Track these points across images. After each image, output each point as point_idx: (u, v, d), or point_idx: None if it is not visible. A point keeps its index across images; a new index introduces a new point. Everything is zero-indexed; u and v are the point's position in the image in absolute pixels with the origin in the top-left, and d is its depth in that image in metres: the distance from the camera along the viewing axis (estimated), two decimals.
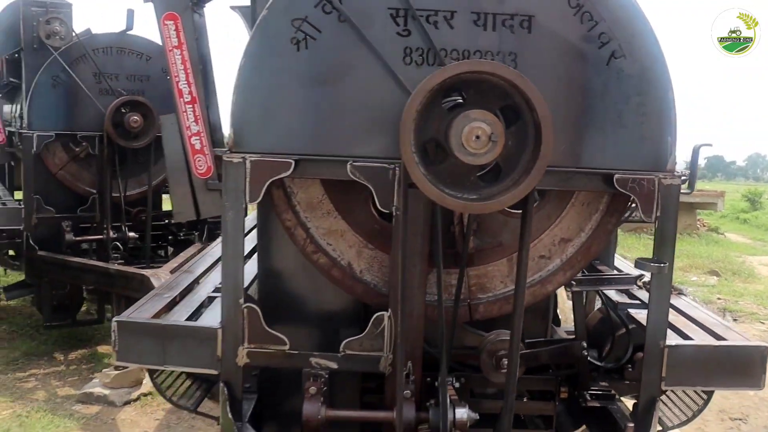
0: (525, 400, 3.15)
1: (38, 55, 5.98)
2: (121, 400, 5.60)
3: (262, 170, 2.47)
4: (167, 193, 6.87)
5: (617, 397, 3.15)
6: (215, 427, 5.16)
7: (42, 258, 5.88)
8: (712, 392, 3.10)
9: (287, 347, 2.62)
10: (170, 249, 6.95)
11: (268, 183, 2.49)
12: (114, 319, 2.69)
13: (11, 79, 6.43)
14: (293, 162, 2.46)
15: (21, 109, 6.38)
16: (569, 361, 3.02)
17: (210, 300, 3.08)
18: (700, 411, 3.13)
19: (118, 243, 5.96)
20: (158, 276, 5.20)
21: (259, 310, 2.59)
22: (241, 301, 2.57)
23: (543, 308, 3.19)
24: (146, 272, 5.30)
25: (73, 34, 5.91)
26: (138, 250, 6.19)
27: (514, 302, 2.41)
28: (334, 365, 2.64)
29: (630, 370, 2.92)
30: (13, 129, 6.67)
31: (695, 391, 3.13)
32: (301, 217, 2.71)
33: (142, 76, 6.21)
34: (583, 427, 3.40)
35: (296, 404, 2.71)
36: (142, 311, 2.85)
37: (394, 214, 2.49)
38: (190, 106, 2.79)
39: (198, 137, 2.81)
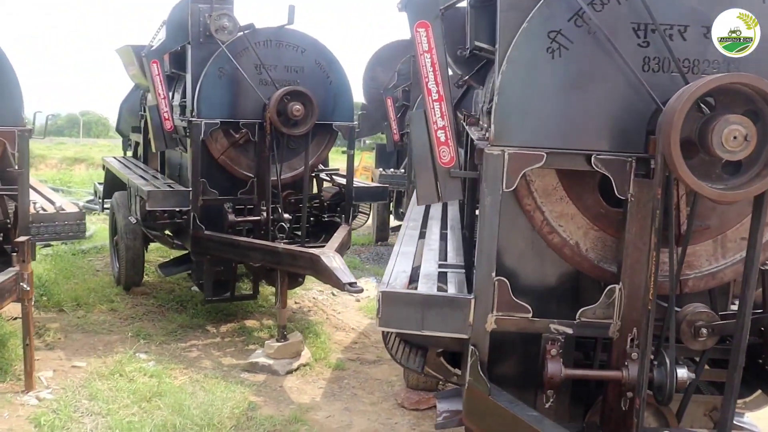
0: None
1: (203, 48, 6.60)
2: (284, 369, 6.21)
3: (518, 161, 2.98)
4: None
5: None
6: (375, 395, 5.75)
7: (209, 237, 6.52)
8: None
9: (530, 315, 3.13)
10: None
11: (522, 173, 3.00)
12: (379, 290, 3.21)
13: (173, 71, 7.07)
14: (545, 154, 2.96)
15: (182, 98, 7.03)
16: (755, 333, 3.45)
17: (441, 274, 3.61)
18: None
19: (282, 224, 6.54)
20: (327, 255, 5.80)
21: (507, 282, 3.10)
22: (494, 274, 3.08)
23: (726, 285, 3.64)
24: (314, 251, 5.88)
25: (239, 28, 6.49)
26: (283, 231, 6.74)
27: (744, 280, 2.85)
28: (570, 331, 3.14)
29: None
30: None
31: None
32: (538, 202, 3.22)
33: (297, 68, 6.79)
34: (758, 392, 3.80)
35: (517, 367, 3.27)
36: (392, 284, 3.39)
37: (628, 200, 2.99)
38: (438, 103, 3.31)
39: (443, 131, 3.32)
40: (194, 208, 6.53)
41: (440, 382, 5.72)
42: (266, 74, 6.60)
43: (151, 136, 6.89)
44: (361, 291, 5.45)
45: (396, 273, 3.66)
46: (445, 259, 4.06)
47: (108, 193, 9.04)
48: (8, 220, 5.80)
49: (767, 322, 3.43)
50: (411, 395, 5.74)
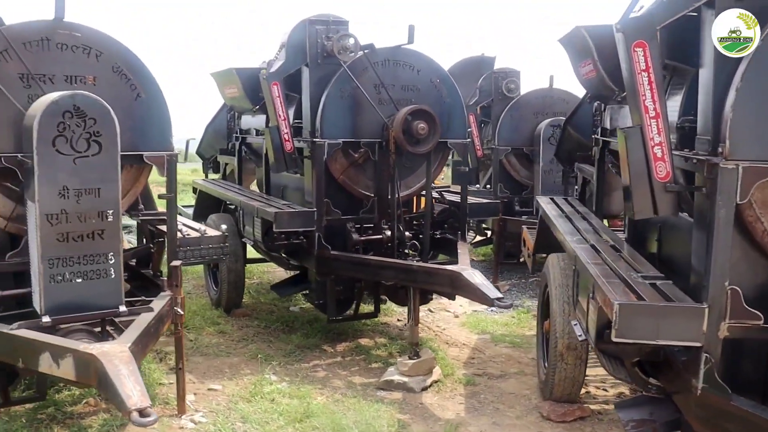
0: None
1: (320, 69, 6.89)
2: (419, 386, 6.43)
3: (751, 175, 3.21)
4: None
5: None
6: (517, 409, 5.95)
7: (335, 257, 6.78)
8: None
9: (761, 322, 3.35)
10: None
11: (756, 185, 3.23)
12: (615, 302, 3.43)
13: (287, 92, 7.35)
14: None
15: (295, 119, 7.31)
16: None
17: (653, 285, 3.83)
18: None
19: (415, 242, 6.79)
20: (468, 271, 6.04)
21: (740, 291, 3.32)
22: (726, 283, 3.31)
23: None
24: (454, 268, 6.13)
25: (359, 49, 6.77)
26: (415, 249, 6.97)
27: None
28: None
29: None
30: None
31: None
32: (758, 213, 3.44)
33: (413, 87, 7.06)
34: None
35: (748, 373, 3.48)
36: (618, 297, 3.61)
37: None
38: (654, 120, 3.55)
39: (659, 147, 3.56)
40: (318, 229, 6.79)
41: (585, 394, 5.97)
42: (385, 93, 6.86)
43: (270, 157, 7.15)
44: (510, 306, 5.68)
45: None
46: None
47: (200, 215, 9.31)
48: (151, 245, 6.08)
49: None
50: (556, 408, 5.93)
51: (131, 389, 3.97)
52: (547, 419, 5.89)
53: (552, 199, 7.25)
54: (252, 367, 6.91)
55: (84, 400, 5.91)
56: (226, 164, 10.37)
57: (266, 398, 6.12)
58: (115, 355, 4.23)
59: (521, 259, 10.31)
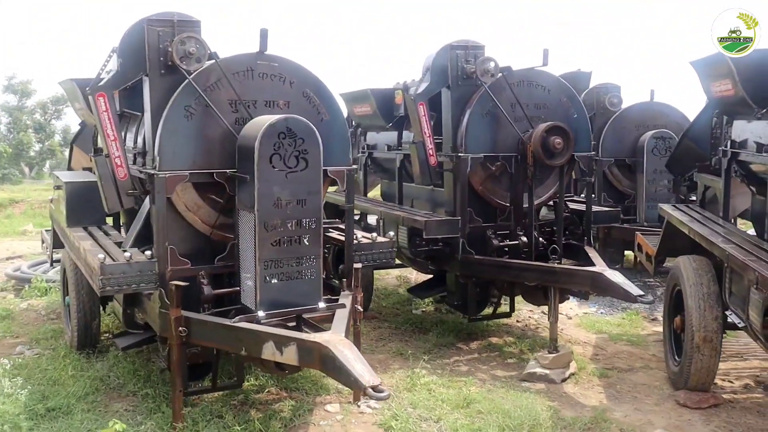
0: None
1: (460, 90, 7.67)
2: (559, 378, 7.11)
3: None
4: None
5: None
6: (653, 397, 6.56)
7: (479, 261, 7.53)
8: None
9: None
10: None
11: None
12: None
13: (431, 112, 8.10)
14: None
15: (436, 135, 8.09)
16: None
17: None
18: None
19: (555, 246, 7.51)
20: (610, 271, 6.74)
21: None
22: None
23: None
24: (595, 269, 6.83)
25: (500, 72, 7.55)
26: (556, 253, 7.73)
27: None
28: None
29: None
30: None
31: None
32: None
33: (544, 105, 7.82)
34: None
35: None
36: None
37: None
38: None
39: None
40: (462, 235, 7.53)
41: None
42: (520, 111, 7.61)
43: (415, 170, 7.93)
44: (653, 302, 6.35)
45: None
46: None
47: None
48: (325, 251, 6.87)
49: None
50: (692, 395, 6.56)
51: (361, 370, 4.72)
52: (683, 406, 6.51)
53: (675, 206, 7.89)
54: (399, 362, 7.65)
55: (267, 389, 6.72)
56: None
57: (424, 388, 6.84)
58: (338, 342, 5.00)
59: (623, 265, 10.97)
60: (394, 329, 8.97)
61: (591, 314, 9.86)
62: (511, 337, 8.59)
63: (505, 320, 9.18)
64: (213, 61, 5.77)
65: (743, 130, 6.59)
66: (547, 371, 7.15)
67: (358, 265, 6.28)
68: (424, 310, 9.87)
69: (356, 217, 9.51)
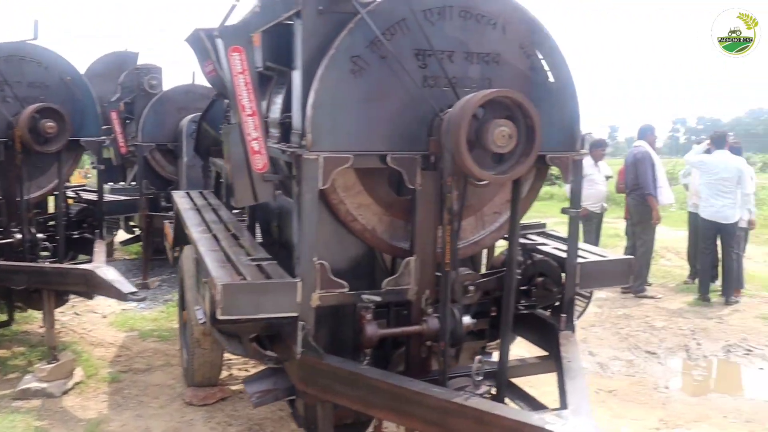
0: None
1: None
2: (59, 391, 6.44)
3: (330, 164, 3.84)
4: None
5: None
6: (161, 399, 6.26)
7: None
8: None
9: (347, 289, 4.00)
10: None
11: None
12: (219, 283, 3.84)
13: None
14: None
15: None
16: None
17: (258, 266, 4.32)
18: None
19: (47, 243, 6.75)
20: (101, 269, 6.21)
21: (327, 264, 3.94)
22: (315, 258, 3.90)
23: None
24: (87, 266, 6.26)
25: None
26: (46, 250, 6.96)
27: (510, 243, 3.98)
28: (378, 299, 4.06)
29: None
30: None
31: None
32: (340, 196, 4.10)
33: (41, 84, 7.03)
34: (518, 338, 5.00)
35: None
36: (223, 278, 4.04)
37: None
38: (251, 117, 4.02)
39: (257, 141, 4.06)
40: None
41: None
42: (10, 91, 6.77)
43: None
44: (144, 299, 5.98)
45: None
46: None
47: None
48: None
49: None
50: (197, 392, 6.35)
51: None
52: (189, 404, 6.27)
53: (187, 193, 7.60)
54: None
55: None
56: None
57: None
58: None
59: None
60: None
61: (128, 311, 9.35)
62: (22, 347, 7.72)
63: (25, 327, 8.30)
64: None
65: None
66: (45, 384, 6.46)
67: None
68: None
69: None
